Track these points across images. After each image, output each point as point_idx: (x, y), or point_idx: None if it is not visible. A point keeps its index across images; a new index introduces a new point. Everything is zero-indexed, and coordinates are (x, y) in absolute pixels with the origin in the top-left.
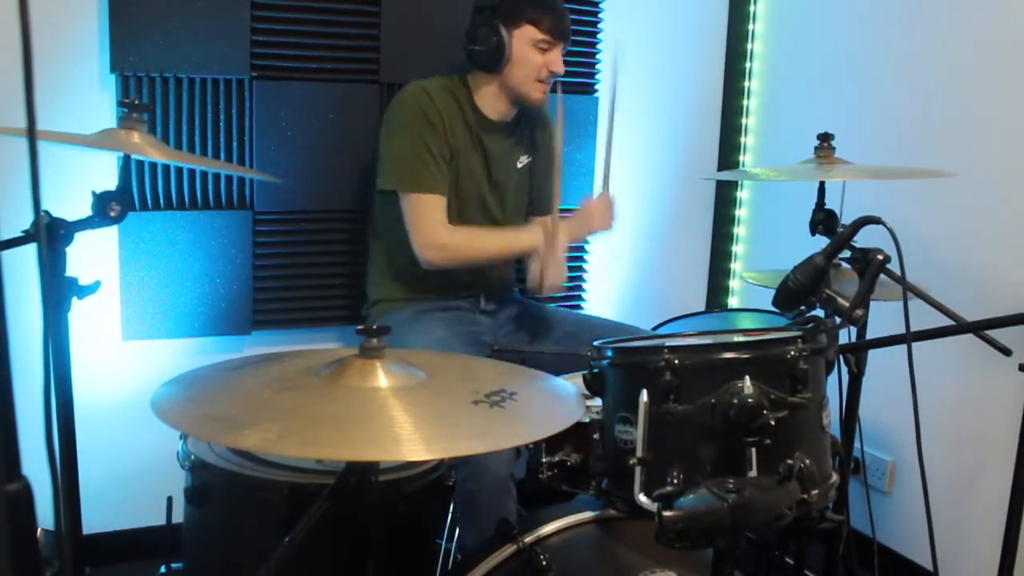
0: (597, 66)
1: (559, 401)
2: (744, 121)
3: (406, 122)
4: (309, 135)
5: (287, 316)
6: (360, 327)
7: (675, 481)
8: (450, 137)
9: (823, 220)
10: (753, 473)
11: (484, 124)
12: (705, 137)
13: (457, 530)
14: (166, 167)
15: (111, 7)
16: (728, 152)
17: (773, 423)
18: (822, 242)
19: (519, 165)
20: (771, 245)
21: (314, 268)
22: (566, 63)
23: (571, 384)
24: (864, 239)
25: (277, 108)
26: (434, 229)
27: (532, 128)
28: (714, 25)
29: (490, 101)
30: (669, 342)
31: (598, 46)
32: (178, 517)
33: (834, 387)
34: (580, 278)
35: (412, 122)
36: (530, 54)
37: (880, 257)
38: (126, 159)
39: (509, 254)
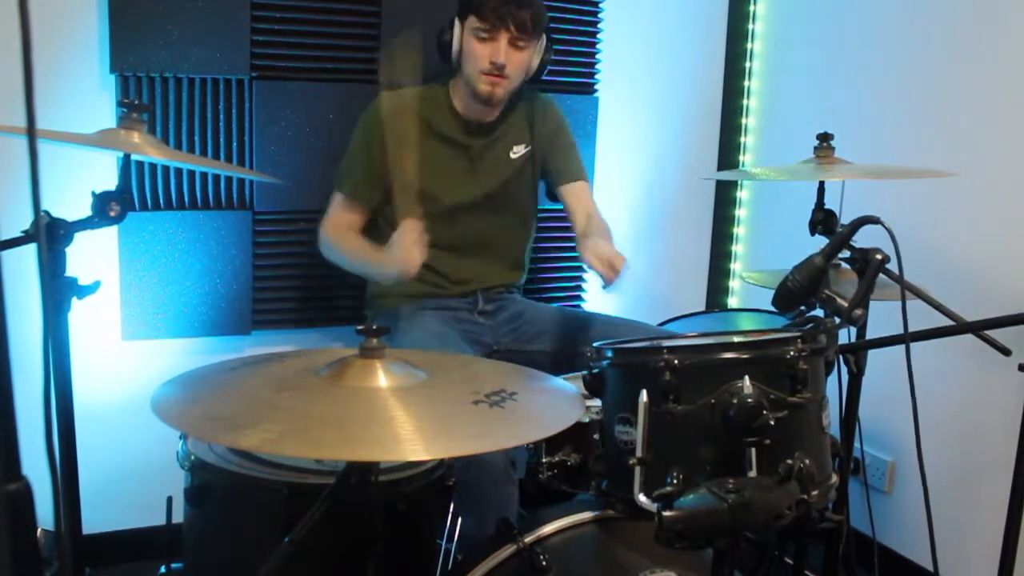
0: (597, 66)
1: (559, 401)
2: (744, 121)
3: (358, 130)
4: (309, 135)
5: (287, 316)
6: (360, 327)
7: (675, 481)
8: (400, 150)
9: (823, 220)
10: (753, 473)
11: (467, 127)
12: (705, 137)
13: (459, 523)
14: (166, 167)
15: (111, 7)
16: (728, 152)
17: (773, 423)
18: (822, 242)
19: (513, 155)
20: (771, 245)
21: (314, 268)
22: (565, 63)
23: (571, 384)
24: (863, 239)
25: (277, 108)
26: (326, 224)
27: (528, 118)
28: (714, 25)
29: (464, 101)
30: (669, 342)
31: (598, 46)
32: (178, 517)
33: (834, 387)
34: (580, 278)
35: (360, 132)
36: (472, 45)
37: (879, 257)
38: (126, 159)
39: (360, 271)
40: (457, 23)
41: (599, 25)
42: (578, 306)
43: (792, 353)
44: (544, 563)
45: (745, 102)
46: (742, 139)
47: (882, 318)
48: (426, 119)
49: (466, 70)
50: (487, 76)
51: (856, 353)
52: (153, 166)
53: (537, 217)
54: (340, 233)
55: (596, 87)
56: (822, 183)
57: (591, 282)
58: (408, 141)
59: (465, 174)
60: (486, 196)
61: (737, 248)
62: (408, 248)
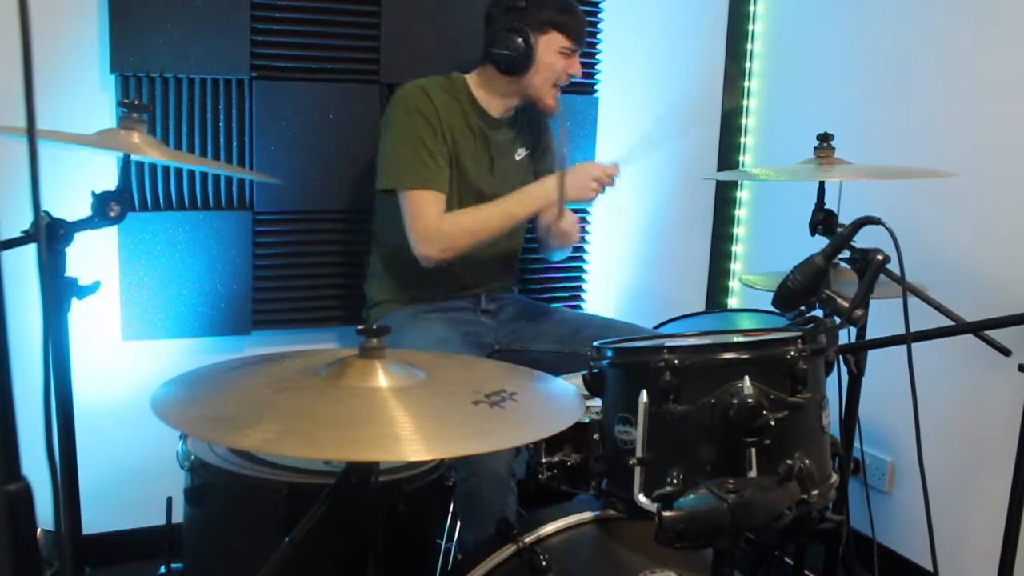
0: (597, 66)
1: (559, 401)
2: (744, 121)
3: (403, 121)
4: (309, 135)
5: (287, 316)
6: (360, 327)
7: (675, 481)
8: (447, 135)
9: (823, 220)
10: (753, 473)
11: (487, 120)
12: (705, 137)
13: (457, 528)
14: (166, 167)
15: (111, 7)
16: (728, 152)
17: (773, 423)
18: (822, 242)
19: (517, 158)
20: (771, 245)
21: (314, 268)
22: None
23: (571, 384)
24: (864, 239)
25: (277, 108)
26: (431, 223)
27: (530, 121)
28: (714, 25)
29: (497, 100)
30: (669, 342)
31: (598, 46)
32: (178, 517)
33: (834, 387)
34: (580, 278)
35: (409, 121)
36: (554, 60)
37: (880, 257)
38: (126, 159)
39: (513, 217)
40: (531, 34)
41: (599, 25)
42: (578, 307)
43: (792, 353)
44: (544, 563)
45: (745, 102)
46: (742, 139)
47: (882, 318)
48: (460, 111)
49: (536, 81)
50: (556, 89)
51: (856, 353)
52: (153, 166)
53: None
54: (451, 214)
55: (596, 87)
56: (822, 183)
57: (589, 283)
58: (457, 128)
59: (487, 169)
60: (495, 191)
61: (737, 248)
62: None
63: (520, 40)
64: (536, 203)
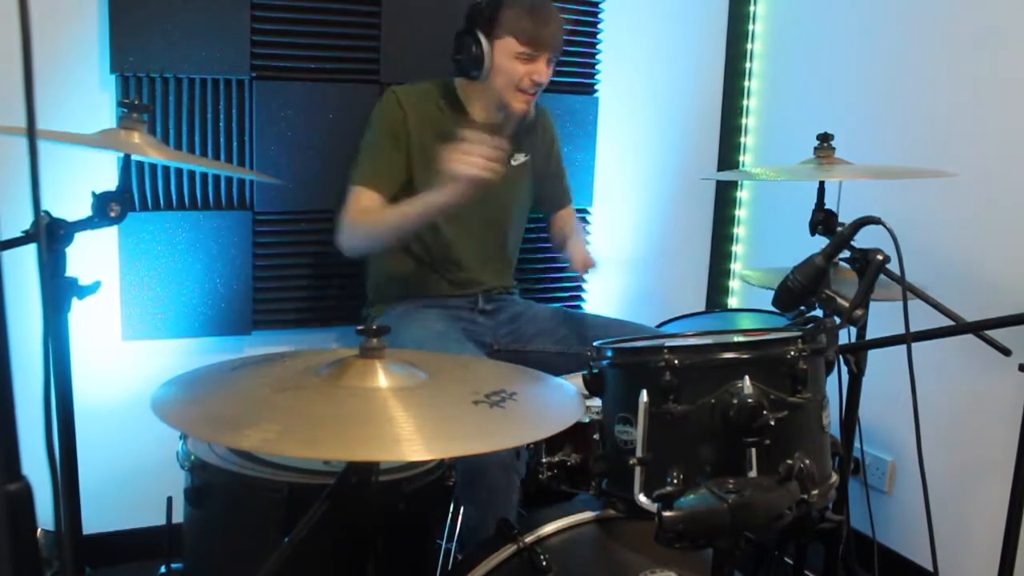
0: (597, 66)
1: (559, 401)
2: (744, 121)
3: (373, 125)
4: (309, 135)
5: (287, 316)
6: (360, 327)
7: (675, 481)
8: (415, 141)
9: (823, 220)
10: (753, 473)
11: (471, 126)
12: (705, 137)
13: (459, 523)
14: (166, 167)
15: (111, 7)
16: (728, 152)
17: (773, 423)
18: (822, 242)
19: (513, 163)
20: (771, 245)
21: (314, 268)
22: (565, 63)
23: (571, 384)
24: (864, 239)
25: (277, 108)
26: (348, 214)
27: (529, 128)
28: (714, 25)
29: (479, 105)
30: (669, 342)
31: (598, 46)
32: (178, 517)
33: (834, 387)
34: (580, 278)
35: (375, 125)
36: (511, 65)
37: (880, 257)
38: (126, 159)
39: (405, 215)
40: (484, 39)
41: (599, 25)
42: (578, 307)
43: (792, 353)
44: (544, 563)
45: (745, 102)
46: (742, 139)
47: (882, 318)
48: (438, 116)
49: (498, 84)
50: (523, 94)
51: (856, 353)
52: (153, 166)
53: (526, 226)
54: (368, 213)
55: (596, 87)
56: (822, 183)
57: (591, 283)
58: (431, 133)
59: None
60: (485, 196)
61: (737, 248)
62: (461, 156)
63: (473, 45)
64: (425, 205)
